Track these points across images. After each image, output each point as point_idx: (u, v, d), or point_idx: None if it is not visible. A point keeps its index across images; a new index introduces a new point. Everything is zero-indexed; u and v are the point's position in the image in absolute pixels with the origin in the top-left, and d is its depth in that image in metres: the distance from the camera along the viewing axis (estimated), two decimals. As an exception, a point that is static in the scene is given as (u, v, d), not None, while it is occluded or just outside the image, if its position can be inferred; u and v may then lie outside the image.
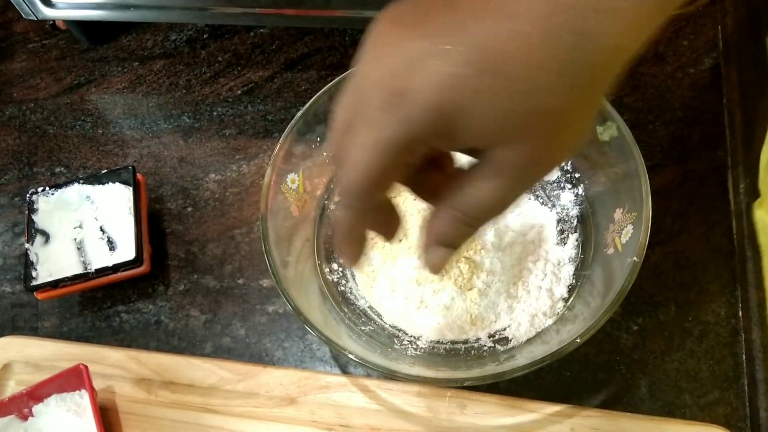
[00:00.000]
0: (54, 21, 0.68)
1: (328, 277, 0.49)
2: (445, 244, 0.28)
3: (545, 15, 0.21)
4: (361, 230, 0.29)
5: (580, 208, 0.49)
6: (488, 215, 0.27)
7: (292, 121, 0.48)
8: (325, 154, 0.52)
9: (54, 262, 0.52)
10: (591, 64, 0.22)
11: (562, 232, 0.49)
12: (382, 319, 0.48)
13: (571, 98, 0.23)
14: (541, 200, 0.51)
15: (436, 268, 0.30)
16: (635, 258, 0.40)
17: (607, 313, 0.38)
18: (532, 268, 0.48)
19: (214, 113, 0.62)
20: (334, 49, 0.63)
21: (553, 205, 0.50)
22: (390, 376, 0.44)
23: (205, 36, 0.66)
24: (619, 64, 0.23)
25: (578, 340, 0.38)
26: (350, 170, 0.25)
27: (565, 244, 0.48)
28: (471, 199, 0.26)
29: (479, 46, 0.22)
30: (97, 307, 0.54)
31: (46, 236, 0.53)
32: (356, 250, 0.30)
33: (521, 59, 0.21)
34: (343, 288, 0.49)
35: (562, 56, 0.22)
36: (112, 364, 0.49)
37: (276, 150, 0.47)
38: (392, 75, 0.23)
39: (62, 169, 0.61)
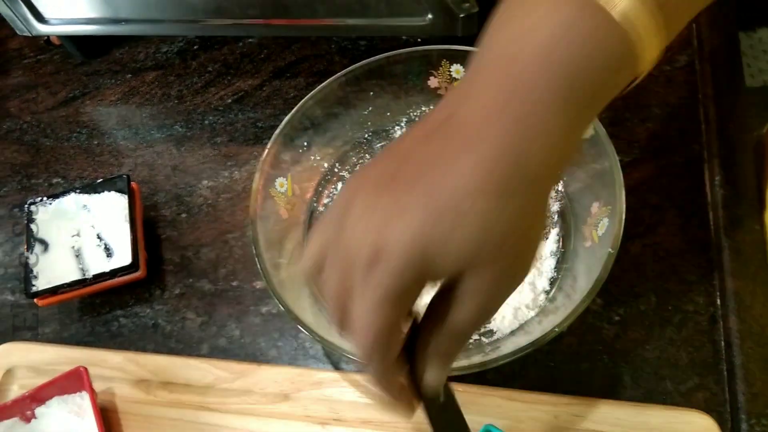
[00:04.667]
0: (48, 37, 0.70)
1: (319, 277, 0.51)
2: (440, 363, 0.30)
3: (490, 158, 0.25)
4: (397, 380, 0.31)
5: (560, 204, 0.50)
6: (474, 329, 0.30)
7: (279, 127, 0.49)
8: (312, 158, 0.53)
9: (53, 269, 0.54)
10: (530, 185, 0.26)
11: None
12: (371, 317, 0.49)
13: (518, 220, 0.26)
14: (524, 197, 0.52)
15: (434, 388, 0.31)
16: (610, 249, 0.41)
17: (584, 303, 0.40)
18: (515, 263, 0.50)
19: (206, 122, 0.63)
20: (321, 57, 0.65)
21: (535, 202, 0.52)
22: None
23: (195, 47, 0.68)
24: (552, 178, 0.27)
25: (557, 330, 0.39)
26: (363, 336, 0.28)
27: (546, 238, 0.50)
28: (459, 319, 0.28)
29: (434, 200, 0.26)
30: (95, 312, 0.55)
31: (45, 245, 0.55)
32: (406, 400, 0.32)
33: (471, 201, 0.25)
34: (333, 287, 0.51)
35: (505, 188, 0.26)
36: (112, 367, 0.50)
37: (264, 155, 0.48)
38: (370, 239, 0.26)
39: (59, 179, 0.63)
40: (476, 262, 0.26)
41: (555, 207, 0.51)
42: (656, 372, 0.46)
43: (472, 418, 0.44)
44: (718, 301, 0.48)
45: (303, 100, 0.51)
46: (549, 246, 0.49)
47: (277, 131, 0.50)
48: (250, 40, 0.67)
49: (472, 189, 0.25)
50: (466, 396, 0.45)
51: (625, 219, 0.42)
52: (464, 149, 0.26)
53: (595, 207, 0.46)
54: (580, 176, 0.48)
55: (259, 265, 0.45)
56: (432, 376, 0.30)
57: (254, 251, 0.46)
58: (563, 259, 0.48)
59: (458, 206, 0.25)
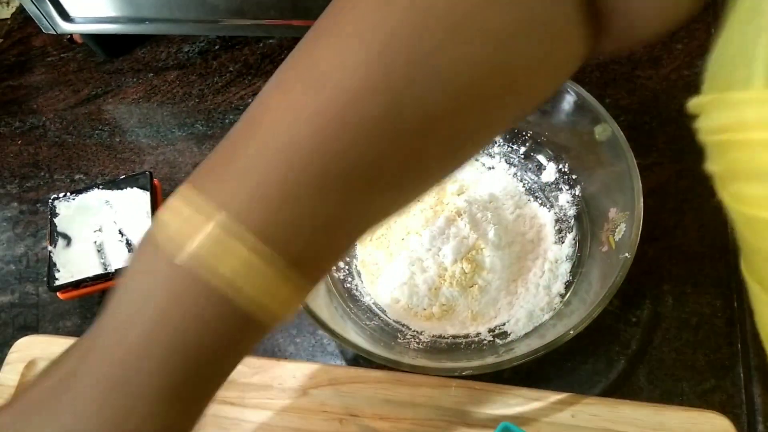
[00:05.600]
0: (71, 35, 0.71)
1: (335, 274, 0.51)
2: None
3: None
4: None
5: (576, 208, 0.51)
6: None
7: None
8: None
9: (75, 264, 0.54)
10: None
11: (560, 231, 0.51)
12: (386, 315, 0.50)
13: None
14: (540, 201, 0.53)
15: None
16: (627, 254, 0.41)
17: (599, 308, 0.40)
18: (531, 266, 0.50)
19: (227, 121, 0.64)
20: (341, 58, 0.66)
21: (552, 206, 0.52)
22: (395, 368, 0.47)
23: (216, 47, 0.69)
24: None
25: (571, 332, 0.40)
26: None
27: (562, 242, 0.50)
28: None
29: None
30: (116, 307, 0.56)
31: (68, 239, 0.56)
32: None
33: None
34: (348, 285, 0.51)
35: None
36: (132, 361, 0.51)
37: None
38: None
39: (81, 176, 0.64)
40: None
41: (571, 211, 0.51)
42: (672, 374, 0.46)
43: (488, 416, 0.45)
44: (735, 304, 0.48)
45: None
46: (564, 250, 0.50)
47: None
48: (270, 40, 0.68)
49: None
50: (483, 394, 0.45)
51: (643, 222, 0.42)
52: None
53: (612, 212, 0.46)
54: (598, 178, 0.49)
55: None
56: None
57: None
58: (579, 263, 0.48)
59: None
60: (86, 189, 0.57)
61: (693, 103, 0.26)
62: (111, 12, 0.61)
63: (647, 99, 0.57)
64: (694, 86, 0.58)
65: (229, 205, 0.24)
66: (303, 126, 0.24)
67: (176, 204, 0.25)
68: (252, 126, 0.26)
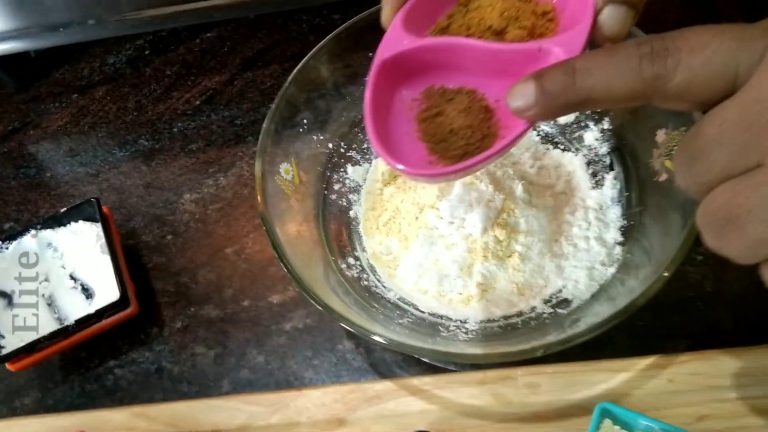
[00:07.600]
0: (-29, 70, 0.61)
1: (347, 273, 0.43)
2: None
3: None
4: None
5: (609, 144, 0.44)
6: None
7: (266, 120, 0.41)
8: (314, 138, 0.46)
9: (22, 325, 0.44)
10: None
11: (594, 174, 0.44)
12: (418, 309, 0.42)
13: None
14: (562, 146, 0.46)
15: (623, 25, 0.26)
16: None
17: (691, 236, 0.33)
18: (571, 220, 0.43)
19: (174, 129, 0.55)
20: (293, 39, 0.58)
21: (577, 149, 0.45)
22: (444, 366, 0.39)
23: (146, 53, 0.60)
24: None
25: (666, 274, 0.33)
26: None
27: (602, 186, 0.43)
28: None
29: None
30: (83, 368, 0.46)
31: (8, 298, 0.45)
32: None
33: None
34: (366, 283, 0.43)
35: None
36: (116, 427, 0.41)
37: (260, 142, 0.40)
38: None
39: (12, 224, 0.53)
40: None
41: (604, 148, 0.44)
42: (757, 307, 0.40)
43: (573, 402, 0.37)
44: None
45: (283, 88, 0.42)
46: (607, 193, 0.43)
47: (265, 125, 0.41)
48: (208, 35, 0.59)
49: None
50: (558, 377, 0.38)
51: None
52: None
53: (661, 135, 0.39)
54: (629, 109, 0.42)
55: (285, 267, 0.37)
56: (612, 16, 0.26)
57: (275, 253, 0.37)
58: (630, 203, 0.42)
59: None
60: (20, 233, 0.47)
61: None
62: (16, 22, 0.51)
63: (644, 21, 0.51)
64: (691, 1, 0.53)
65: None
66: None
67: None
68: None
